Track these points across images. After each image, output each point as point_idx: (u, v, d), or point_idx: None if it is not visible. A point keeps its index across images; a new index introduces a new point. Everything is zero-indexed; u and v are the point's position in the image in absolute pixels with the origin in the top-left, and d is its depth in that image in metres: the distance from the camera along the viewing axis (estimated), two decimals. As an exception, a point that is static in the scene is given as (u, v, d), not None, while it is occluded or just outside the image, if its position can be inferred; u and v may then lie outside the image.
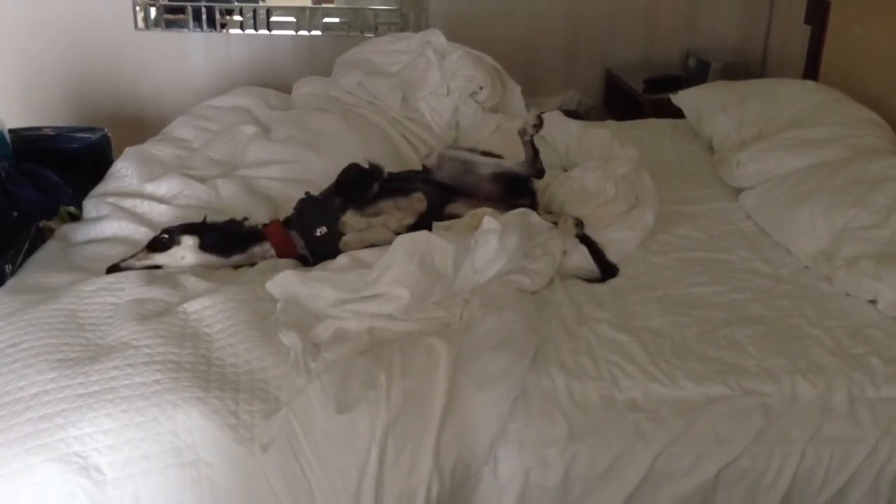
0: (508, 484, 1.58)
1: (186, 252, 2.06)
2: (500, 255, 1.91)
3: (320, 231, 2.13)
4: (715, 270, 2.17)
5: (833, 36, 3.35)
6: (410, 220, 2.13)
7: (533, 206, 2.26)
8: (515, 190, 2.32)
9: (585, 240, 2.15)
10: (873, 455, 1.63)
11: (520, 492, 1.58)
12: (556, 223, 2.15)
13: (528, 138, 2.31)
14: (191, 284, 1.93)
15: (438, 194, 2.25)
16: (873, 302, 2.00)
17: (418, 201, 2.19)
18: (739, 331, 1.89)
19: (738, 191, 2.64)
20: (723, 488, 1.63)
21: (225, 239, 2.12)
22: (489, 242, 1.90)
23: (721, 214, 2.52)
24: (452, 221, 2.16)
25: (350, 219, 2.14)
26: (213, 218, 2.18)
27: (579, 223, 2.14)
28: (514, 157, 2.38)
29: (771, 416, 1.66)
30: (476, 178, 2.31)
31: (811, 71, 3.46)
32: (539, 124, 2.28)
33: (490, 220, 1.94)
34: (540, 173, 2.35)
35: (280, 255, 2.13)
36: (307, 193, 2.24)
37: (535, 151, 2.33)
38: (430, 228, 2.05)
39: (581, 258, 2.13)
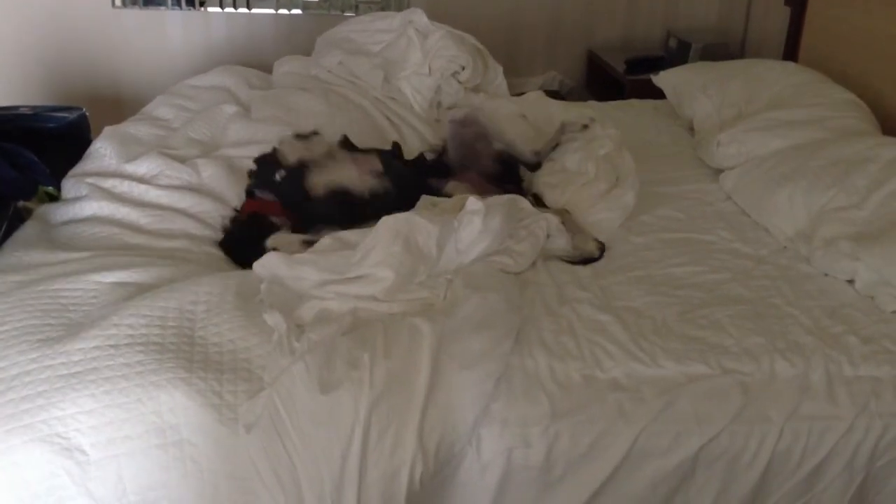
0: (491, 463, 1.59)
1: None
2: (484, 236, 1.91)
3: (279, 175, 2.12)
4: (695, 251, 2.18)
5: (813, 17, 3.36)
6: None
7: (517, 193, 2.26)
8: (507, 174, 2.32)
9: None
10: (850, 433, 1.66)
11: (502, 471, 1.60)
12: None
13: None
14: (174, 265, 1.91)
15: (407, 175, 2.26)
16: (851, 282, 2.02)
17: (374, 162, 2.20)
18: (719, 310, 1.91)
19: (718, 171, 2.65)
20: (702, 466, 1.65)
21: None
22: (473, 223, 1.90)
23: (701, 195, 2.53)
24: (440, 199, 2.15)
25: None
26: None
27: (601, 246, 2.14)
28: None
29: (750, 394, 1.68)
30: (482, 149, 2.32)
31: (791, 52, 3.47)
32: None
33: (474, 202, 1.94)
34: (537, 166, 2.37)
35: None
36: (254, 160, 2.28)
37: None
38: (410, 206, 2.06)
39: (565, 241, 2.13)
